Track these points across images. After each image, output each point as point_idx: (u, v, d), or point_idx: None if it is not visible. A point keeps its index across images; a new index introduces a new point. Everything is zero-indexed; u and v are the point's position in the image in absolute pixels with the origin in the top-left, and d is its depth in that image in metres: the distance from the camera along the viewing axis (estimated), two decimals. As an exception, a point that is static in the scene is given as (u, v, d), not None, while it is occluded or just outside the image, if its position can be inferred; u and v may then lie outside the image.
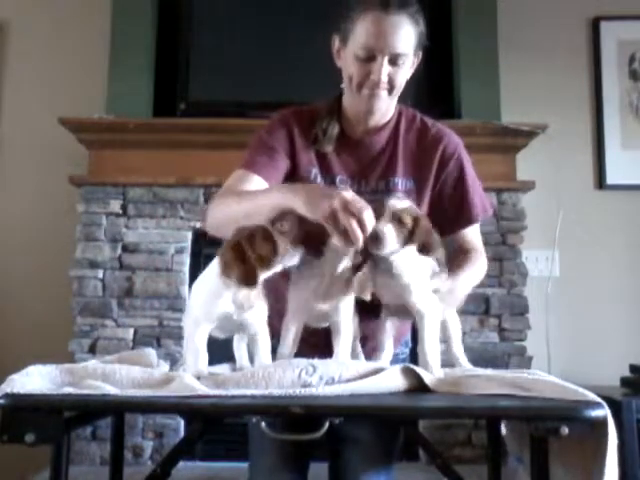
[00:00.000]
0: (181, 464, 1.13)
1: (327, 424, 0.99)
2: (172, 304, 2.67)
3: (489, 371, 1.23)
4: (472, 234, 1.51)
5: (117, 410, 1.22)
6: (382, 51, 1.33)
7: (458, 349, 1.33)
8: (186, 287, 2.67)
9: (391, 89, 1.39)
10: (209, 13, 2.87)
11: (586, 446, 0.99)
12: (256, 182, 1.38)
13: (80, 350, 2.63)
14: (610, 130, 3.07)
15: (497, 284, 2.71)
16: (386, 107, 1.44)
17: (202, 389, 1.00)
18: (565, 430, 0.92)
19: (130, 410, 1.47)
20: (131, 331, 2.68)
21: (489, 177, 2.75)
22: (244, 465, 1.56)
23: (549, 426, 0.93)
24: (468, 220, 1.49)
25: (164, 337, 2.66)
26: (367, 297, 1.24)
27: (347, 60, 1.39)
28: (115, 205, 2.73)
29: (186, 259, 2.73)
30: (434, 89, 2.81)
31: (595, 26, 3.13)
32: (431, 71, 2.95)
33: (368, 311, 1.31)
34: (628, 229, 3.03)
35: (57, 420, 0.95)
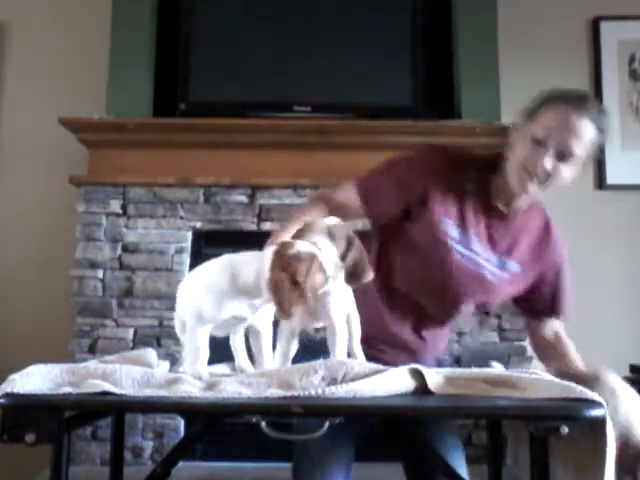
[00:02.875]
0: (181, 464, 1.14)
1: (327, 424, 0.99)
2: (172, 304, 2.62)
3: (490, 371, 1.23)
4: (561, 326, 1.65)
5: (117, 410, 1.22)
6: (557, 144, 1.40)
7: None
8: (186, 287, 2.66)
9: (547, 181, 1.44)
10: (209, 13, 2.87)
11: (582, 444, 0.99)
12: (355, 209, 1.50)
13: (80, 350, 2.63)
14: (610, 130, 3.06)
15: (497, 284, 2.71)
16: (534, 194, 1.51)
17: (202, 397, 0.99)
18: (565, 430, 0.92)
19: (130, 410, 1.47)
20: (131, 331, 2.67)
21: (489, 177, 2.76)
22: (244, 465, 1.56)
23: (549, 426, 0.93)
24: (556, 314, 1.64)
25: (164, 337, 2.66)
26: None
27: (522, 137, 1.46)
28: (115, 205, 2.73)
29: (186, 259, 2.73)
30: (434, 89, 2.81)
31: (595, 26, 3.12)
32: (431, 71, 2.97)
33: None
34: (628, 229, 3.03)
35: (57, 420, 0.95)
